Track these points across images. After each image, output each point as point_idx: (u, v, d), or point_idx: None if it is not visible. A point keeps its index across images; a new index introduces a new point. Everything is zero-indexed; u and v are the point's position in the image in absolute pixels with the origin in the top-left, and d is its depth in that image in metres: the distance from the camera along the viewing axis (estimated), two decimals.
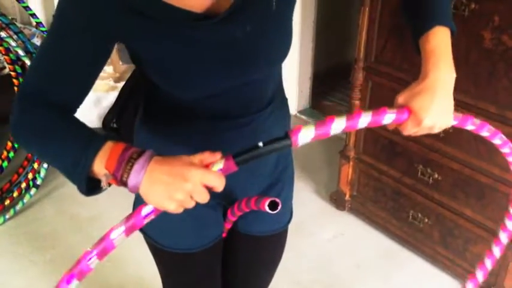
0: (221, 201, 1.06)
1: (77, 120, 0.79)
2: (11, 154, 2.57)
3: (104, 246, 0.67)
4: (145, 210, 0.69)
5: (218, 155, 0.72)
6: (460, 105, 1.78)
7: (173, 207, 0.68)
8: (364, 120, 0.73)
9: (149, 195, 0.68)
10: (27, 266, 2.12)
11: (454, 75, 0.81)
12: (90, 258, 0.67)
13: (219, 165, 0.70)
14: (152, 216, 0.69)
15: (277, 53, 0.91)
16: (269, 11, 0.86)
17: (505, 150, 0.95)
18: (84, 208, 2.45)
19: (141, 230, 1.10)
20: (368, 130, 2.17)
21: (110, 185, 0.72)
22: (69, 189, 2.59)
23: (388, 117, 0.76)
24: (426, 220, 2.07)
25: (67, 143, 0.74)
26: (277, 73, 1.02)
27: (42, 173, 2.46)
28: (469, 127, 0.86)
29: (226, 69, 0.87)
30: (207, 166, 0.70)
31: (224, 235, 1.13)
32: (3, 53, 2.46)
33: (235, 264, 1.21)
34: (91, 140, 0.72)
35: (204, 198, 0.69)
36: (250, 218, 1.10)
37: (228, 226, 1.11)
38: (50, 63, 0.80)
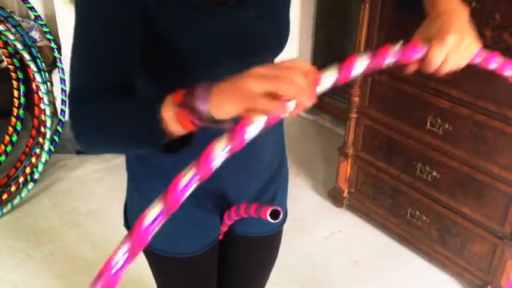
0: (219, 203, 1.05)
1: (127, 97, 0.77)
2: (9, 148, 2.57)
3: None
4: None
5: None
6: (459, 103, 1.78)
7: (254, 104, 0.60)
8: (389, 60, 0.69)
9: (224, 104, 0.63)
10: (25, 260, 2.11)
11: (467, 10, 0.76)
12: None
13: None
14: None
15: (276, 40, 0.93)
16: None
17: None
18: (82, 203, 2.44)
19: None
20: (367, 127, 2.16)
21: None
22: (67, 184, 2.59)
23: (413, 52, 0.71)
24: (424, 218, 2.07)
25: (133, 119, 0.72)
26: None
27: (40, 167, 2.45)
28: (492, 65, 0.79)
29: (228, 55, 0.87)
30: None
31: (220, 237, 1.12)
32: (2, 46, 2.46)
33: (231, 266, 1.20)
34: (153, 104, 0.68)
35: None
36: (248, 219, 1.10)
37: (224, 229, 1.10)
38: (100, 53, 0.77)
